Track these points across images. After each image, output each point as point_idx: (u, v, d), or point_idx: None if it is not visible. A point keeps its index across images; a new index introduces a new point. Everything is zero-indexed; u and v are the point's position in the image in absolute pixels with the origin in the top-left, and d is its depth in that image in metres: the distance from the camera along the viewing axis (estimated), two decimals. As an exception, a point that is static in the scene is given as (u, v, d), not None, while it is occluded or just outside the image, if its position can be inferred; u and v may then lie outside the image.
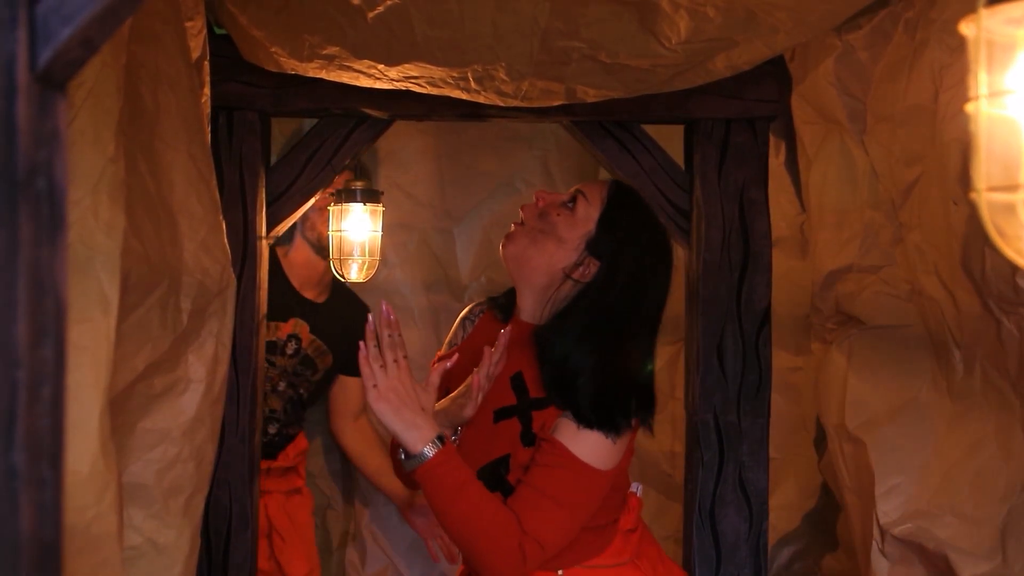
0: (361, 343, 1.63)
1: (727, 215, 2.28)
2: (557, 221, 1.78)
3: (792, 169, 2.35)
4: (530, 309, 1.81)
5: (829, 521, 2.73)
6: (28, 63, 0.64)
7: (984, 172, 0.90)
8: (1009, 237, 0.90)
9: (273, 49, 1.99)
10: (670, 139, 2.49)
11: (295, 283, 2.85)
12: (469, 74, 1.95)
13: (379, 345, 1.62)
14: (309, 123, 2.51)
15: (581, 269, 1.75)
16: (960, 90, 1.60)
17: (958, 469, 1.80)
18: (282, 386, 2.83)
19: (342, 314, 2.88)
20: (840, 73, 2.02)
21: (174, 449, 1.77)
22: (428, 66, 1.93)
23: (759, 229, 2.28)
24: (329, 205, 2.71)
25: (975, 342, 1.77)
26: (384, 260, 3.01)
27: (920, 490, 1.87)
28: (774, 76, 2.26)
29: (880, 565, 1.90)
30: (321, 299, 2.89)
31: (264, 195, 2.35)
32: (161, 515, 1.73)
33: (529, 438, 1.72)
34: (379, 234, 2.62)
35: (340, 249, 2.60)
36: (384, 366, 1.61)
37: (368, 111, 2.32)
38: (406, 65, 1.94)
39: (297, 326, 2.82)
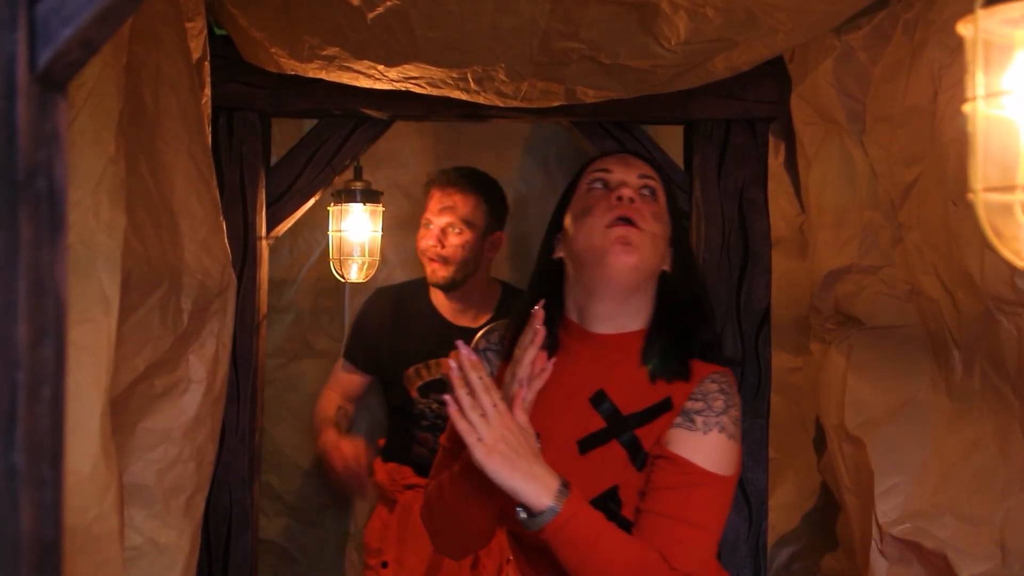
0: (449, 397, 1.41)
1: (727, 216, 2.28)
2: (658, 213, 1.58)
3: (791, 170, 2.35)
4: (622, 317, 1.57)
5: (828, 521, 2.73)
6: (28, 64, 0.65)
7: (981, 173, 0.90)
8: (1006, 238, 0.90)
9: (273, 50, 2.00)
10: (670, 140, 2.49)
11: (447, 315, 2.71)
12: (469, 75, 1.96)
13: (471, 392, 1.40)
14: (309, 124, 2.51)
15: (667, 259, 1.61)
16: (959, 90, 1.60)
17: (957, 469, 1.80)
18: (429, 414, 2.68)
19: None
20: (839, 74, 2.02)
21: (175, 449, 1.77)
22: (428, 67, 1.93)
23: (759, 230, 2.28)
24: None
25: (974, 342, 1.77)
26: (384, 260, 3.02)
27: (919, 490, 1.87)
28: (773, 77, 2.26)
29: (879, 565, 1.90)
30: (479, 323, 2.68)
31: (264, 195, 2.35)
32: (162, 515, 1.73)
33: (643, 460, 1.51)
34: (379, 234, 2.63)
35: (340, 249, 2.60)
36: (485, 415, 1.38)
37: (368, 112, 2.32)
38: (406, 66, 1.94)
39: None
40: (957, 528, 1.76)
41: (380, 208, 2.62)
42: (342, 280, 2.70)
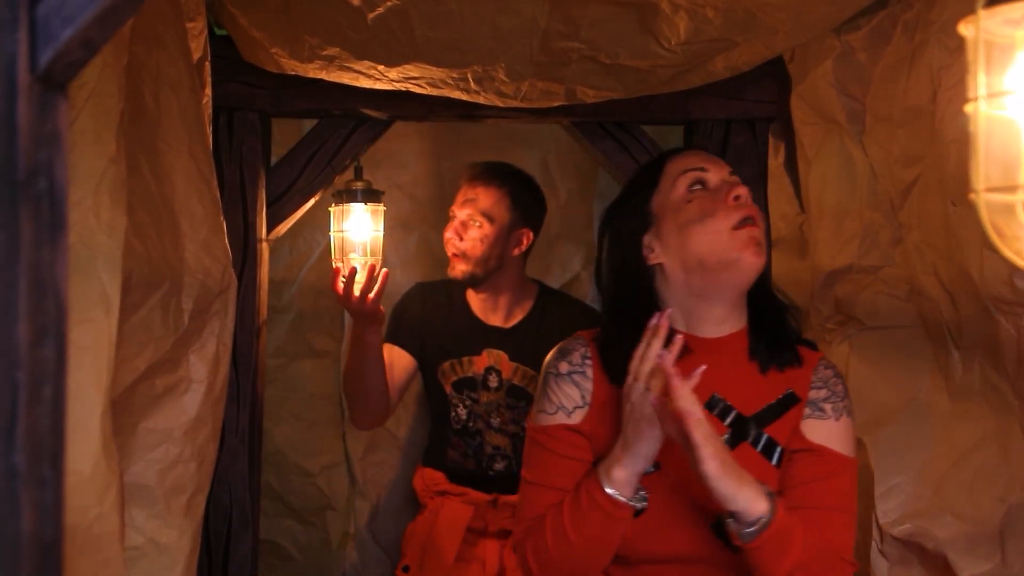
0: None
1: (727, 215, 2.28)
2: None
3: (791, 170, 2.35)
4: (732, 318, 1.54)
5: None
6: (29, 64, 0.65)
7: (983, 173, 0.90)
8: (1008, 238, 0.90)
9: (273, 50, 2.00)
10: (670, 140, 2.49)
11: (479, 314, 2.61)
12: (469, 75, 1.96)
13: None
14: (309, 124, 2.50)
15: None
16: (959, 91, 1.60)
17: (957, 469, 1.80)
18: (497, 421, 2.58)
19: (547, 333, 2.48)
20: (839, 74, 2.02)
21: (176, 449, 1.77)
22: (428, 67, 1.93)
23: (759, 229, 2.28)
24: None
25: (974, 342, 1.77)
26: (384, 260, 3.01)
27: (919, 490, 1.87)
28: (773, 77, 2.26)
29: (880, 565, 1.90)
30: (510, 324, 2.59)
31: (264, 196, 2.35)
32: (163, 515, 1.73)
33: (780, 456, 1.48)
34: (381, 234, 2.62)
35: (341, 250, 2.59)
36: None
37: (368, 112, 2.33)
38: (406, 66, 1.94)
39: (491, 356, 2.59)
40: (958, 528, 1.76)
41: (381, 208, 2.62)
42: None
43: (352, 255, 2.53)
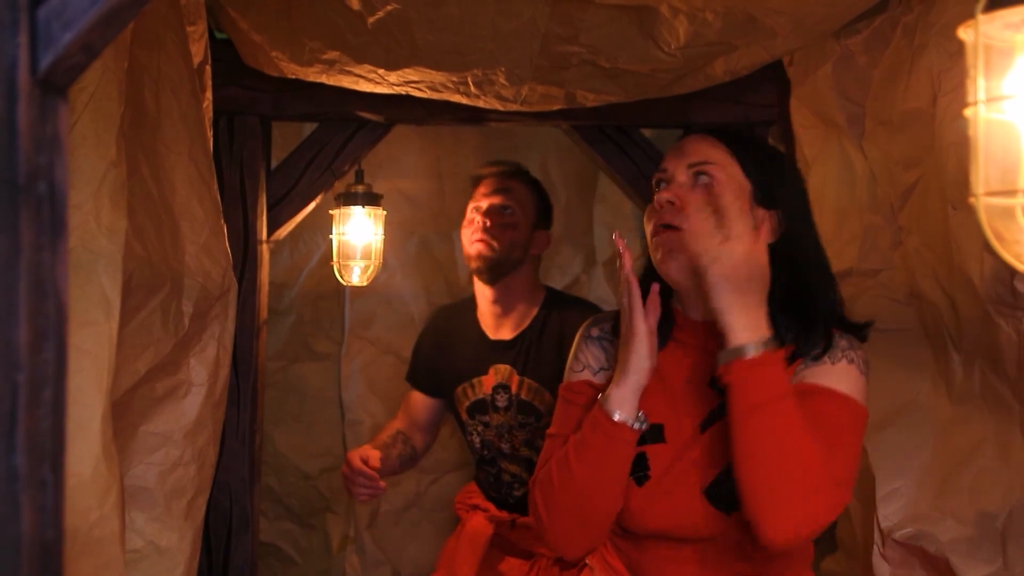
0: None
1: (727, 219, 2.28)
2: (709, 200, 1.54)
3: (792, 173, 2.35)
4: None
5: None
6: (29, 67, 0.65)
7: (982, 176, 0.90)
8: (1007, 241, 0.90)
9: (274, 53, 2.00)
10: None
11: (487, 330, 2.48)
12: (469, 78, 1.96)
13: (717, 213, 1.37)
14: (309, 127, 2.51)
15: None
16: (959, 94, 1.61)
17: (958, 473, 1.80)
18: (507, 447, 2.45)
19: (549, 340, 2.40)
20: (839, 77, 2.02)
21: (176, 452, 1.77)
22: (428, 70, 1.93)
23: (759, 232, 2.28)
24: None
25: (974, 346, 1.77)
26: (384, 264, 3.02)
27: (921, 493, 1.87)
28: (773, 80, 2.26)
29: (881, 569, 1.90)
30: (513, 335, 2.45)
31: (265, 199, 2.36)
32: (163, 518, 1.73)
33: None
34: (381, 237, 2.62)
35: (342, 253, 2.60)
36: (728, 239, 1.36)
37: (368, 115, 2.33)
38: (406, 70, 1.94)
39: (499, 373, 2.44)
40: (959, 532, 1.76)
41: (382, 211, 2.62)
42: (344, 284, 2.69)
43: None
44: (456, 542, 2.50)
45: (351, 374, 3.24)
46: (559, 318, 2.44)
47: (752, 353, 1.34)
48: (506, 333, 2.45)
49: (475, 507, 2.53)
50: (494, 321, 2.47)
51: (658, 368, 1.51)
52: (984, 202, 0.91)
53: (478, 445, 2.50)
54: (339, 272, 2.62)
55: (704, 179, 1.51)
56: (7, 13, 0.64)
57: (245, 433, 2.28)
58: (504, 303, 2.45)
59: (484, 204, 2.43)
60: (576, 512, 1.50)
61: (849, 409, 1.43)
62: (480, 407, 2.47)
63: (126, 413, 1.64)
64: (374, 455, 2.29)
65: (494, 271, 2.39)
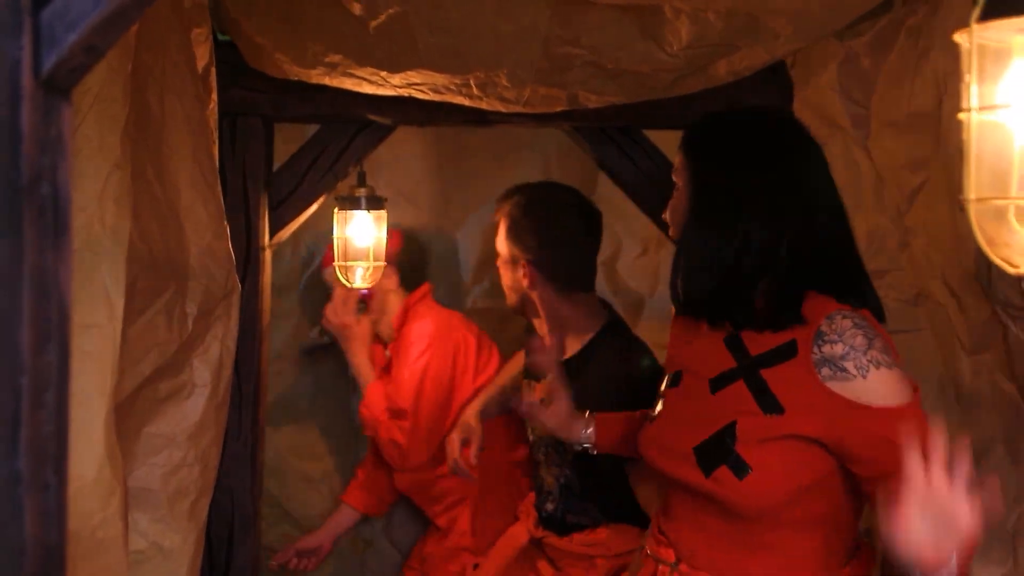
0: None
1: (730, 220, 2.27)
2: (675, 206, 1.76)
3: (795, 174, 2.35)
4: None
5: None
6: (32, 69, 0.65)
7: (974, 180, 0.90)
8: (998, 245, 0.90)
9: (277, 56, 2.00)
10: (672, 144, 2.48)
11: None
12: (471, 80, 1.96)
13: None
14: (311, 129, 2.51)
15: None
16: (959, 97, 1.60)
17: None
18: (543, 456, 2.46)
19: (589, 378, 2.29)
20: (843, 79, 2.02)
21: (179, 453, 1.78)
22: (430, 73, 1.93)
23: (762, 234, 2.27)
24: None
25: (982, 347, 1.76)
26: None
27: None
28: (775, 82, 2.26)
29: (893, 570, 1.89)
30: (567, 355, 2.35)
31: (267, 201, 2.35)
32: (166, 519, 1.74)
33: (770, 403, 1.49)
34: (383, 239, 2.61)
35: (345, 255, 2.59)
36: None
37: (371, 117, 2.32)
38: (409, 72, 1.94)
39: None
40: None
41: (384, 213, 2.61)
42: (347, 286, 2.69)
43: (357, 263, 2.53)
44: (501, 539, 2.61)
45: (354, 376, 3.23)
46: (602, 360, 2.34)
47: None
48: (564, 352, 2.36)
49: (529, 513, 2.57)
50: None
51: (688, 328, 1.68)
52: (975, 206, 0.91)
53: (531, 440, 2.56)
54: (342, 274, 2.61)
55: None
56: (10, 15, 0.64)
57: (247, 435, 2.28)
58: (551, 329, 2.40)
59: None
60: None
61: (910, 415, 1.40)
62: None
63: (130, 415, 1.64)
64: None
65: (518, 313, 2.54)
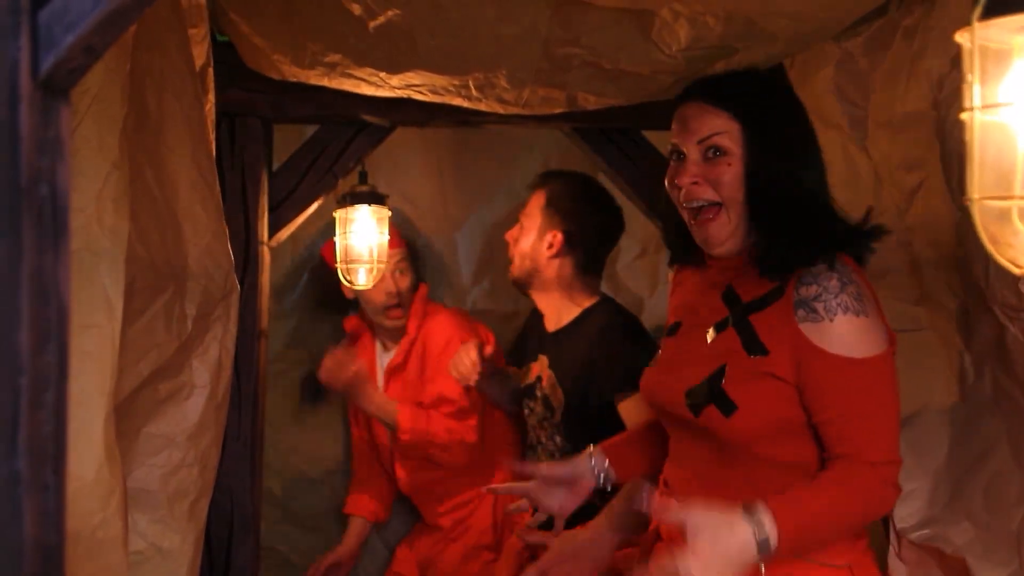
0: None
1: (729, 221, 2.27)
2: (724, 172, 1.66)
3: (794, 175, 2.35)
4: (732, 241, 1.66)
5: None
6: (30, 70, 0.65)
7: (978, 180, 0.90)
8: (1002, 244, 0.90)
9: (275, 56, 2.00)
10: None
11: (544, 321, 2.56)
12: (470, 82, 1.96)
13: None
14: (310, 130, 2.51)
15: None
16: (960, 97, 1.60)
17: (972, 474, 1.80)
18: (541, 436, 2.50)
19: (580, 342, 2.44)
20: (840, 80, 2.02)
21: (179, 454, 1.78)
22: (430, 74, 1.94)
23: (761, 235, 2.27)
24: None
25: (984, 347, 1.76)
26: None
27: (936, 495, 1.86)
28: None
29: (898, 570, 1.89)
30: (557, 327, 2.51)
31: (266, 201, 2.36)
32: (166, 520, 1.74)
33: (755, 346, 1.57)
34: (385, 239, 2.60)
35: (347, 255, 2.58)
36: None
37: (369, 118, 2.33)
38: (408, 73, 1.94)
39: (540, 363, 2.52)
40: (974, 534, 1.75)
41: (387, 211, 2.60)
42: (349, 286, 2.68)
43: None
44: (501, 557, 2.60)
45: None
46: (598, 323, 2.46)
47: (772, 537, 1.43)
48: (551, 324, 2.55)
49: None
50: (544, 315, 2.58)
51: (688, 282, 1.75)
52: (979, 205, 0.91)
53: (528, 432, 2.57)
54: (344, 275, 2.61)
55: (712, 154, 1.61)
56: (8, 16, 0.64)
57: (247, 436, 2.28)
58: (546, 306, 2.55)
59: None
60: None
61: (864, 372, 1.50)
62: (528, 393, 2.54)
63: (129, 415, 1.64)
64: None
65: (519, 286, 2.57)
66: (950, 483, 1.85)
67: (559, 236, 2.48)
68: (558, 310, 2.51)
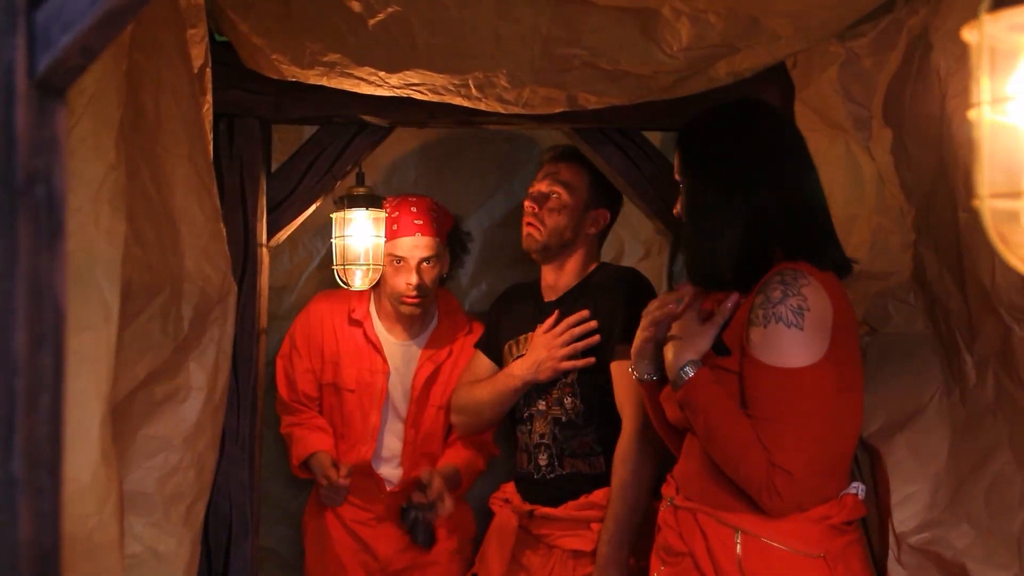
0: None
1: (729, 222, 2.27)
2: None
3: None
4: None
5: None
6: (27, 70, 0.64)
7: (987, 179, 0.90)
8: (1013, 244, 0.89)
9: (274, 56, 2.00)
10: (671, 145, 2.49)
11: (543, 291, 2.59)
12: (470, 81, 1.96)
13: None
14: (309, 130, 2.50)
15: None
16: (965, 97, 1.60)
17: (973, 478, 1.79)
18: (543, 404, 2.51)
19: (586, 298, 2.49)
20: (844, 80, 2.02)
21: (175, 457, 1.77)
22: (429, 73, 1.93)
23: (761, 236, 2.27)
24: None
25: (987, 349, 1.76)
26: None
27: (936, 499, 1.86)
28: (776, 83, 2.25)
29: (897, 574, 1.89)
30: (557, 295, 2.55)
31: (265, 202, 2.35)
32: (162, 523, 1.73)
33: (721, 347, 1.72)
34: (382, 240, 2.60)
35: (344, 256, 2.58)
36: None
37: (369, 118, 2.32)
38: (407, 72, 1.94)
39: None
40: (975, 537, 1.75)
41: (383, 214, 2.60)
42: (347, 287, 2.68)
43: None
44: (487, 539, 2.58)
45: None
46: (599, 279, 2.52)
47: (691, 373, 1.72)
48: (550, 295, 2.57)
49: (507, 501, 2.55)
50: (548, 286, 2.59)
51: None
52: (989, 205, 0.90)
53: (521, 401, 2.56)
54: (342, 276, 2.60)
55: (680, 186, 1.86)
56: (5, 15, 0.64)
57: (245, 437, 2.27)
58: (558, 279, 2.57)
59: (533, 190, 2.55)
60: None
61: (784, 381, 1.61)
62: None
63: (125, 417, 1.64)
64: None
65: (543, 253, 2.52)
66: (950, 486, 1.84)
67: (607, 215, 2.55)
68: (568, 278, 2.55)
